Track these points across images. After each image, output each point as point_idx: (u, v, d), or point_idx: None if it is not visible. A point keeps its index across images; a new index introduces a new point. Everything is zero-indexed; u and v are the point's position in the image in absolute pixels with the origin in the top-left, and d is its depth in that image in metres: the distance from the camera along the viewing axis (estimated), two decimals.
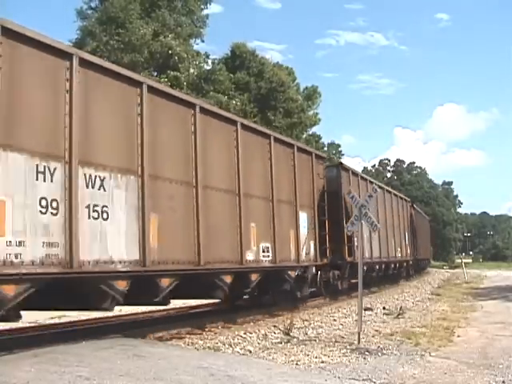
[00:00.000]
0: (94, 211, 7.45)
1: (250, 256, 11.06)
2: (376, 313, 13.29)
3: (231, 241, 10.56)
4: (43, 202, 6.76)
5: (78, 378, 5.31)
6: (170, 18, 32.45)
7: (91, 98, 7.69)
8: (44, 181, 6.82)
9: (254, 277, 11.33)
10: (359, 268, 9.37)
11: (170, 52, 30.83)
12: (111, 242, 7.64)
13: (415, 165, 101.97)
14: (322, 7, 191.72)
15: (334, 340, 9.15)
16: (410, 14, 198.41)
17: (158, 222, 8.55)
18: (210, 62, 36.74)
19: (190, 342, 8.89)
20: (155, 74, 31.06)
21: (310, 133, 45.12)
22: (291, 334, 9.70)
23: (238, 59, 36.67)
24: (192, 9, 34.65)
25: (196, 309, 14.09)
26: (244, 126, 11.53)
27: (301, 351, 8.07)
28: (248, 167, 11.34)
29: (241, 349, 8.39)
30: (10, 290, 6.31)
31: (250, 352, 8.13)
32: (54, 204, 6.90)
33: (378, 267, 21.37)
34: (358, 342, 8.61)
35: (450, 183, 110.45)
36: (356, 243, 15.66)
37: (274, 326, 10.64)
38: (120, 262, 7.74)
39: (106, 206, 7.66)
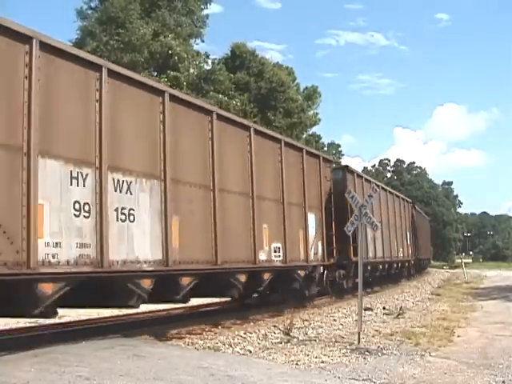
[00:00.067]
0: (121, 214, 7.92)
1: (262, 256, 11.55)
2: (376, 313, 13.39)
3: (245, 241, 11.04)
4: (77, 206, 7.23)
5: (78, 378, 5.33)
6: (170, 18, 32.51)
7: (118, 107, 8.14)
8: (77, 185, 7.28)
9: (267, 276, 11.82)
10: (359, 268, 9.55)
11: (169, 52, 30.88)
12: (137, 243, 8.12)
13: (415, 165, 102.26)
14: (322, 7, 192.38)
15: (334, 340, 9.20)
16: (410, 13, 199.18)
17: (178, 224, 9.02)
18: (209, 62, 36.85)
19: (190, 342, 8.94)
20: (155, 74, 31.10)
21: (310, 133, 45.31)
22: (291, 334, 9.78)
23: (238, 59, 36.76)
24: (192, 9, 34.73)
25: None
26: (257, 131, 12.01)
27: (301, 351, 8.11)
28: (260, 171, 11.81)
29: (241, 349, 8.44)
30: (48, 288, 6.78)
31: (250, 352, 8.17)
32: (87, 207, 7.36)
33: (381, 267, 21.90)
34: (358, 342, 8.66)
35: (450, 183, 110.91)
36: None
37: (274, 326, 10.74)
38: (145, 262, 8.22)
39: (133, 209, 8.13)
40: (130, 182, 8.17)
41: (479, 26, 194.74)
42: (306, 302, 14.54)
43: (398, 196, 27.68)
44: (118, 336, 8.32)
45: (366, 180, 20.98)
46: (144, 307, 12.14)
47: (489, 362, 7.37)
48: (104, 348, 6.99)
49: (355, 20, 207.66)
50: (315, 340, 9.22)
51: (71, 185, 7.20)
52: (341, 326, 11.03)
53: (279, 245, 12.31)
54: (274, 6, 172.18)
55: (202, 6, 36.02)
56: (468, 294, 20.00)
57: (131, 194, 8.16)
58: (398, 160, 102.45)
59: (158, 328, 9.84)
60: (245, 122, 12.41)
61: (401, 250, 25.89)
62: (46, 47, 7.03)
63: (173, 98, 9.30)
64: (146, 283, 8.27)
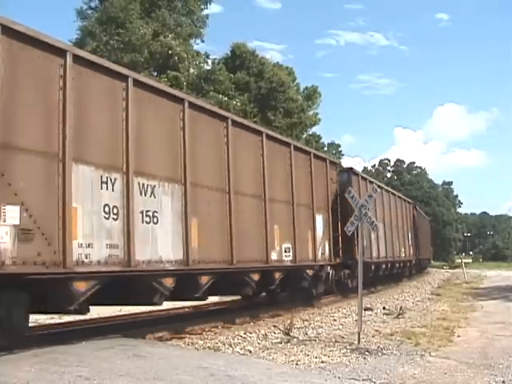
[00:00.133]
0: (146, 216, 8.41)
1: (274, 256, 12.06)
2: (376, 313, 13.44)
3: (258, 242, 11.55)
4: (106, 209, 7.71)
5: (78, 378, 5.33)
6: (170, 18, 32.51)
7: (143, 115, 8.62)
8: (107, 189, 7.76)
9: (278, 275, 12.35)
10: (359, 267, 9.59)
11: (169, 52, 30.85)
12: (160, 243, 8.62)
13: (415, 165, 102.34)
14: (321, 7, 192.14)
15: (333, 340, 9.22)
16: (410, 13, 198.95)
17: (197, 226, 9.52)
18: (209, 61, 36.74)
19: (190, 342, 8.98)
20: (155, 74, 31.08)
21: (310, 133, 45.19)
22: (291, 334, 9.83)
23: (238, 59, 36.72)
24: (192, 9, 34.71)
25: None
26: (268, 136, 12.53)
27: (301, 351, 8.12)
28: (272, 174, 12.32)
29: (241, 349, 8.47)
30: (81, 286, 7.26)
31: (250, 352, 8.20)
32: (115, 210, 7.85)
33: (384, 266, 22.46)
34: (358, 342, 8.68)
35: (450, 183, 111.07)
36: (365, 243, 16.67)
37: (274, 326, 10.78)
38: (168, 262, 8.72)
39: (156, 212, 8.62)
40: (154, 186, 8.65)
41: (479, 26, 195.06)
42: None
43: (400, 197, 28.35)
44: (118, 336, 8.38)
45: (370, 182, 21.65)
46: (144, 307, 12.23)
47: (489, 361, 7.41)
48: (104, 348, 7.02)
49: (355, 20, 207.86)
50: (315, 340, 9.28)
51: (101, 189, 7.68)
52: (341, 326, 11.12)
53: (289, 245, 12.81)
54: (274, 5, 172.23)
55: (202, 6, 36.04)
56: (468, 294, 20.08)
57: (155, 197, 8.64)
58: (398, 160, 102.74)
59: (161, 327, 9.90)
60: (257, 127, 12.93)
61: (403, 250, 26.48)
62: (78, 59, 7.50)
63: (191, 105, 9.79)
64: (168, 282, 8.76)
